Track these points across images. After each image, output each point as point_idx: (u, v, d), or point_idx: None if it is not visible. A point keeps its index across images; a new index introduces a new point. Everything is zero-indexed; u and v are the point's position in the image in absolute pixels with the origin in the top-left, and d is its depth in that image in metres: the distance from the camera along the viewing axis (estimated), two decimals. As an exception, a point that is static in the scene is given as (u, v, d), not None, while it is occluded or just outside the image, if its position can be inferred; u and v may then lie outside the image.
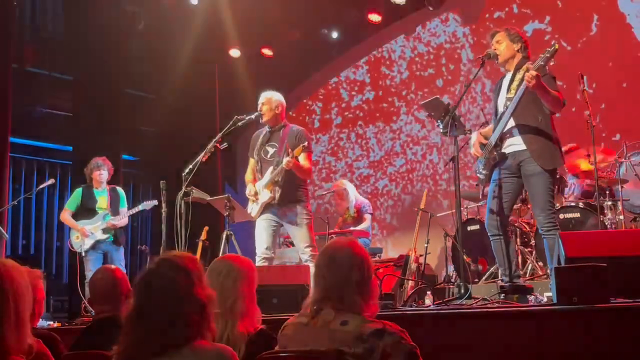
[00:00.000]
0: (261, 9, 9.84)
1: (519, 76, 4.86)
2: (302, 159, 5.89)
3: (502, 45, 5.00)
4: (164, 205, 6.42)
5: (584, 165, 6.92)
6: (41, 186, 8.65)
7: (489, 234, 5.04)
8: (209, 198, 6.48)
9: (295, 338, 2.66)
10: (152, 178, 8.86)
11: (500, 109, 4.97)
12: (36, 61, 10.61)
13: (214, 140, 6.09)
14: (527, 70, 4.66)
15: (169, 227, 6.44)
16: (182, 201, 6.01)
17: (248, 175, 6.23)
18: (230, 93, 10.99)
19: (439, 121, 5.18)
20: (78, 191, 7.91)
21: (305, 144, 5.88)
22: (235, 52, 10.83)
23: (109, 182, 7.98)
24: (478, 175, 5.18)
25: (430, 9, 9.82)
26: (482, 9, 9.89)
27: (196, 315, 2.24)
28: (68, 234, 7.92)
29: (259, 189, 6.01)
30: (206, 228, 7.52)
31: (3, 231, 7.67)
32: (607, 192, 6.78)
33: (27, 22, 10.84)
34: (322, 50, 11.19)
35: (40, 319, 6.53)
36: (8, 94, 8.66)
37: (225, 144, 6.17)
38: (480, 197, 5.61)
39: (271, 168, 5.95)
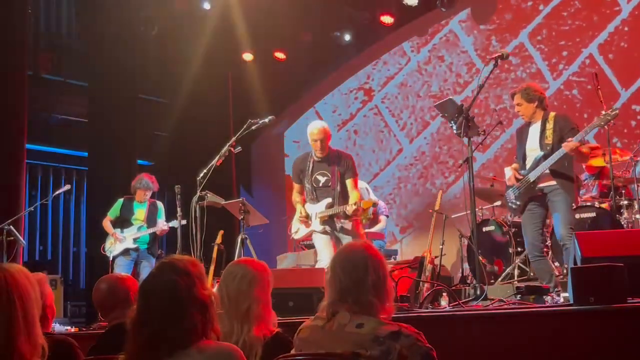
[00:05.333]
0: (273, 13, 9.86)
1: (549, 125, 5.41)
2: (351, 186, 5.99)
3: (522, 107, 5.55)
4: (179, 209, 6.45)
5: (599, 162, 6.84)
6: (57, 192, 8.70)
7: (530, 256, 5.65)
8: (223, 202, 6.50)
9: (311, 341, 2.66)
10: (167, 183, 8.87)
11: (529, 153, 5.52)
12: (51, 68, 10.70)
13: (228, 144, 6.11)
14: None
15: (184, 232, 6.47)
16: (197, 205, 6.03)
17: (295, 197, 6.25)
18: (244, 96, 11.02)
19: (452, 122, 5.19)
20: (119, 202, 7.95)
21: (356, 179, 6.08)
22: (248, 56, 10.86)
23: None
24: (510, 204, 5.68)
25: (443, 9, 9.80)
26: (494, 8, 9.86)
27: (199, 316, 2.25)
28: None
29: (312, 214, 6.07)
30: (221, 232, 7.52)
31: (20, 237, 7.72)
32: (623, 191, 6.73)
33: (42, 29, 10.94)
34: (334, 53, 11.19)
35: (58, 324, 6.60)
36: (24, 100, 8.73)
37: (239, 147, 6.18)
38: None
39: (328, 201, 6.00)
